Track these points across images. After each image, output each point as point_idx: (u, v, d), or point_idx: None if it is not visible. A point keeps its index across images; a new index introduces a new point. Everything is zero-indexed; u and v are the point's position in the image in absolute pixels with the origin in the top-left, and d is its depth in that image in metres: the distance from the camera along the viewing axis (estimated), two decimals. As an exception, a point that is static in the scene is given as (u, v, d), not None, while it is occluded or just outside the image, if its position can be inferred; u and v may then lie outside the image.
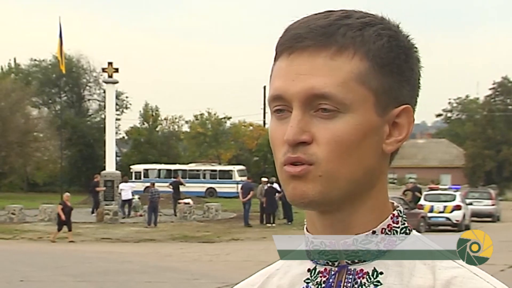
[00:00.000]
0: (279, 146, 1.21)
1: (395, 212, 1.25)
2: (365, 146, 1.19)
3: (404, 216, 1.27)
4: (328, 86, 1.17)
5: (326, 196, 1.18)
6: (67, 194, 26.46)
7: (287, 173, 1.19)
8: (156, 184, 33.40)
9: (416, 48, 1.25)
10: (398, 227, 1.25)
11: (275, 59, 1.24)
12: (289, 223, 30.43)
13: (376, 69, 1.20)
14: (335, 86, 1.17)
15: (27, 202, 38.60)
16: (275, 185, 31.44)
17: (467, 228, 31.10)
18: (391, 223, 1.24)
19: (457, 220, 30.81)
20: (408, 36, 1.24)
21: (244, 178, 41.36)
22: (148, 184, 35.79)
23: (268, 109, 1.26)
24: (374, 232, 1.23)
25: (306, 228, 1.28)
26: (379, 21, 1.23)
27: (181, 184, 36.54)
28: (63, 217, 23.95)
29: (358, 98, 1.19)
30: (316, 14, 1.24)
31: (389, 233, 1.24)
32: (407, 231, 1.25)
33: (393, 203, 1.27)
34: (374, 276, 1.22)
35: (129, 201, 33.37)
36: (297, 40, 1.20)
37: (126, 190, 33.04)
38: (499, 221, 37.29)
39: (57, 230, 24.27)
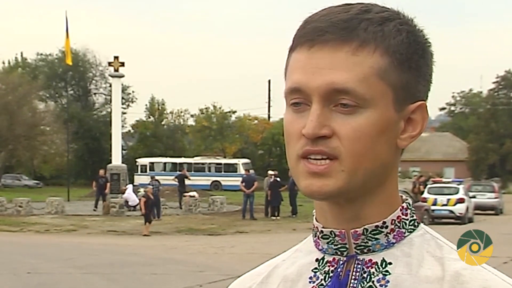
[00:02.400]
0: (295, 139, 1.20)
1: (404, 205, 1.26)
2: (382, 141, 1.20)
3: (413, 208, 1.28)
4: (349, 81, 1.17)
5: (343, 189, 1.19)
6: (150, 187, 26.52)
7: (306, 168, 1.19)
8: (162, 177, 33.28)
9: (430, 43, 1.25)
10: (407, 219, 1.25)
11: (292, 50, 1.23)
12: (294, 215, 30.47)
13: (395, 65, 1.20)
14: (356, 82, 1.17)
15: (34, 195, 38.61)
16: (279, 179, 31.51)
17: (470, 221, 31.10)
18: (401, 215, 1.25)
19: (460, 213, 30.78)
20: (422, 31, 1.25)
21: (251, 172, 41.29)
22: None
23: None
24: (384, 223, 1.23)
25: (316, 218, 1.28)
26: (396, 15, 1.23)
27: (186, 177, 36.45)
28: (143, 210, 23.94)
29: (378, 93, 1.18)
30: (335, 7, 1.23)
31: (399, 224, 1.24)
32: (416, 224, 1.26)
33: (401, 196, 1.28)
34: (383, 266, 1.22)
35: (137, 205, 33.32)
36: (318, 33, 1.19)
37: (130, 196, 33.08)
38: (502, 214, 37.30)
39: (148, 223, 24.15)
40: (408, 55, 1.21)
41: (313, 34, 1.20)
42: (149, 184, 30.82)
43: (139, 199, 24.86)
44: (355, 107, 1.18)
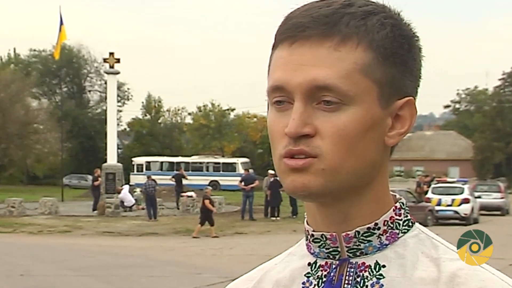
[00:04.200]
0: (278, 138, 1.18)
1: (398, 205, 1.24)
2: (368, 139, 1.17)
3: (407, 208, 1.25)
4: (331, 77, 1.15)
5: (326, 188, 1.16)
6: (210, 188, 26.28)
7: (287, 166, 1.17)
8: (159, 176, 33.15)
9: (417, 37, 1.22)
10: (401, 220, 1.23)
11: (274, 48, 1.21)
12: (294, 216, 30.39)
13: (379, 60, 1.17)
14: (338, 78, 1.15)
15: (27, 195, 38.85)
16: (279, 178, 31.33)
17: (476, 221, 31.23)
18: (394, 215, 1.23)
19: (465, 214, 30.71)
20: (409, 25, 1.22)
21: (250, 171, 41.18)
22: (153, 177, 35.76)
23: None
24: (376, 225, 1.21)
25: (307, 221, 1.26)
26: (381, 9, 1.19)
27: (184, 177, 36.59)
28: (213, 209, 23.91)
29: (362, 90, 1.16)
30: (317, 1, 1.19)
31: (392, 225, 1.22)
32: (410, 224, 1.24)
33: (395, 195, 1.25)
34: (377, 269, 1.20)
35: (133, 205, 33.22)
36: (299, 29, 1.17)
37: (126, 197, 32.78)
38: (508, 215, 37.26)
39: (199, 225, 23.86)
40: (393, 49, 1.19)
41: (294, 30, 1.18)
42: (145, 184, 30.55)
43: (203, 201, 24.49)
44: (338, 104, 1.16)
